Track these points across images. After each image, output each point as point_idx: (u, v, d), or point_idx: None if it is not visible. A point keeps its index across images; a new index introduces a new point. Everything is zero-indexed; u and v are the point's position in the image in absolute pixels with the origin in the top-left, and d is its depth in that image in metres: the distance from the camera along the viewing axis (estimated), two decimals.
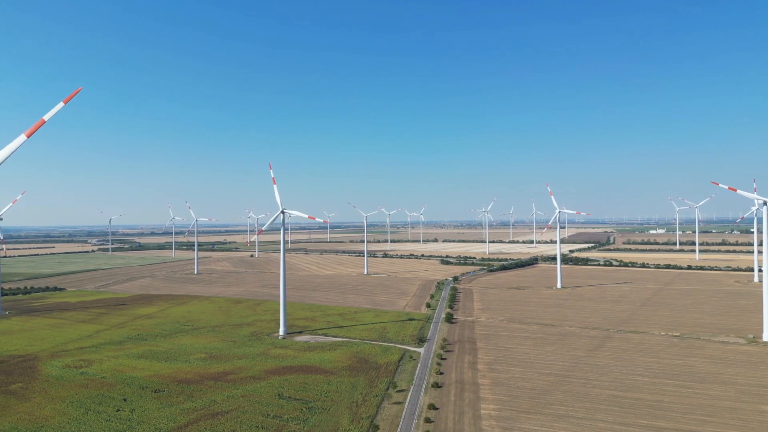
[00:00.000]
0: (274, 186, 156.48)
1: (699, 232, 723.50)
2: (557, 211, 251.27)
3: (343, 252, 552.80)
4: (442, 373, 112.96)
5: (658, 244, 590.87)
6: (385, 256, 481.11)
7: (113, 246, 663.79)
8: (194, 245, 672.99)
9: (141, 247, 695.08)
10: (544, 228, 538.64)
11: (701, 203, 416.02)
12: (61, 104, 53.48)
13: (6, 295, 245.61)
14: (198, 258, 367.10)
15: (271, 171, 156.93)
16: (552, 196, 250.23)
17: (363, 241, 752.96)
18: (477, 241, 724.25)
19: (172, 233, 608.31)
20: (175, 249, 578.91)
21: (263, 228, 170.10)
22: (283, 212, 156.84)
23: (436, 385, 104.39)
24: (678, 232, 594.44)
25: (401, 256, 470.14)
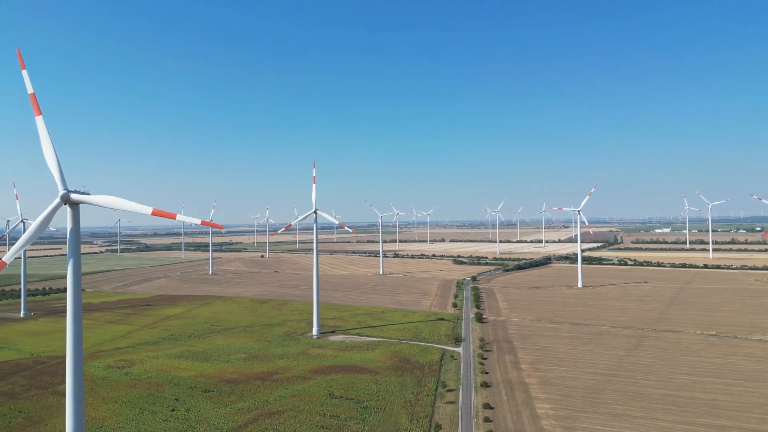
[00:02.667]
0: (313, 185, 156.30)
1: (706, 231, 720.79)
2: (578, 210, 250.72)
3: (353, 252, 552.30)
4: (487, 373, 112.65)
5: (667, 243, 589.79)
6: (396, 256, 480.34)
7: (121, 247, 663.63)
8: (201, 246, 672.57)
9: (148, 248, 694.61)
10: (552, 227, 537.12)
11: (714, 203, 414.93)
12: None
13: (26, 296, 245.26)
14: (211, 258, 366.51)
15: (313, 170, 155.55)
16: (589, 197, 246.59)
17: (369, 242, 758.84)
18: (484, 241, 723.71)
19: (182, 234, 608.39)
20: (184, 250, 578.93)
21: (293, 223, 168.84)
22: (315, 212, 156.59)
23: (485, 385, 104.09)
24: (686, 231, 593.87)
25: (412, 256, 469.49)
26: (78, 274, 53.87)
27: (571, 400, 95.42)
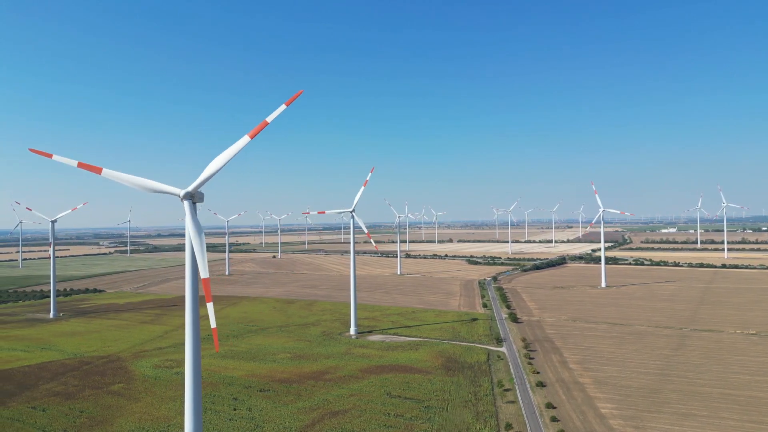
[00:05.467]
0: (363, 188, 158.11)
1: (713, 231, 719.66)
2: (601, 210, 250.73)
3: (364, 253, 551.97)
4: (538, 372, 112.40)
5: (677, 243, 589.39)
6: (408, 256, 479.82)
7: (130, 248, 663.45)
8: (209, 246, 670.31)
9: (157, 249, 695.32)
10: (556, 227, 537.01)
11: (726, 204, 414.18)
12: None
13: (47, 297, 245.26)
14: (223, 259, 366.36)
15: (369, 174, 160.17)
16: (597, 195, 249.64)
17: (377, 242, 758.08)
18: (493, 241, 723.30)
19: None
20: None
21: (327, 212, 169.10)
22: (353, 212, 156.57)
23: (541, 384, 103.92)
24: (697, 231, 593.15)
25: (425, 257, 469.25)
26: (196, 268, 54.05)
27: (631, 399, 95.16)
